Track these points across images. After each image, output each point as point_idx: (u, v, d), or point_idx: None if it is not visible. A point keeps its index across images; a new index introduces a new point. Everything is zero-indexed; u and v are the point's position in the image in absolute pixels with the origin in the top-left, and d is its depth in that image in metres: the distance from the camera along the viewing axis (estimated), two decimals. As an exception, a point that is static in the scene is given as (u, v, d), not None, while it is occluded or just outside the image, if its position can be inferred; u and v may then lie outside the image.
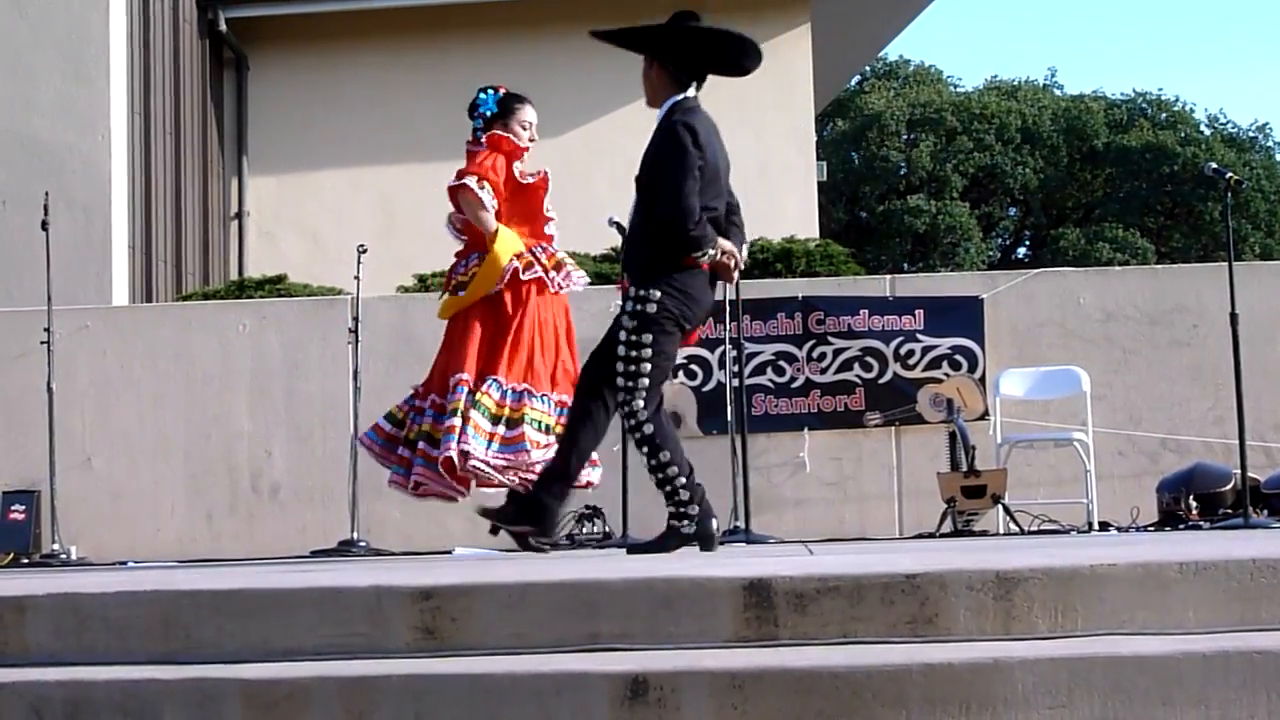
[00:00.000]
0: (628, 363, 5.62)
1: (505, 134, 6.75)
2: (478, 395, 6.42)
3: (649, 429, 5.60)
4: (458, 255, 6.76)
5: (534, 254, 6.65)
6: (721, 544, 7.04)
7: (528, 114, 6.81)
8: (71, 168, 11.78)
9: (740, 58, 6.02)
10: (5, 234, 11.52)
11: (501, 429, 6.44)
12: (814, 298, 9.32)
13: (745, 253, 6.00)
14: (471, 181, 6.62)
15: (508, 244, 6.56)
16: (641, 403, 5.60)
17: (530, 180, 6.74)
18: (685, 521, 5.67)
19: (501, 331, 6.55)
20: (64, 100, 11.91)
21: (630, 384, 5.61)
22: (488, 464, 6.40)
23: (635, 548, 5.96)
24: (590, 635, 3.38)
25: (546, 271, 6.64)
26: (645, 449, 5.64)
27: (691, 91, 5.82)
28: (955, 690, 3.09)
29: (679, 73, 5.80)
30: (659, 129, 5.84)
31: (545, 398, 6.57)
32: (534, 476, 6.19)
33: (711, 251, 5.67)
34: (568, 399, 6.36)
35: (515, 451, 6.43)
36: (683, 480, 5.66)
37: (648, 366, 5.61)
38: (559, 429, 6.33)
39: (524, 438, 6.44)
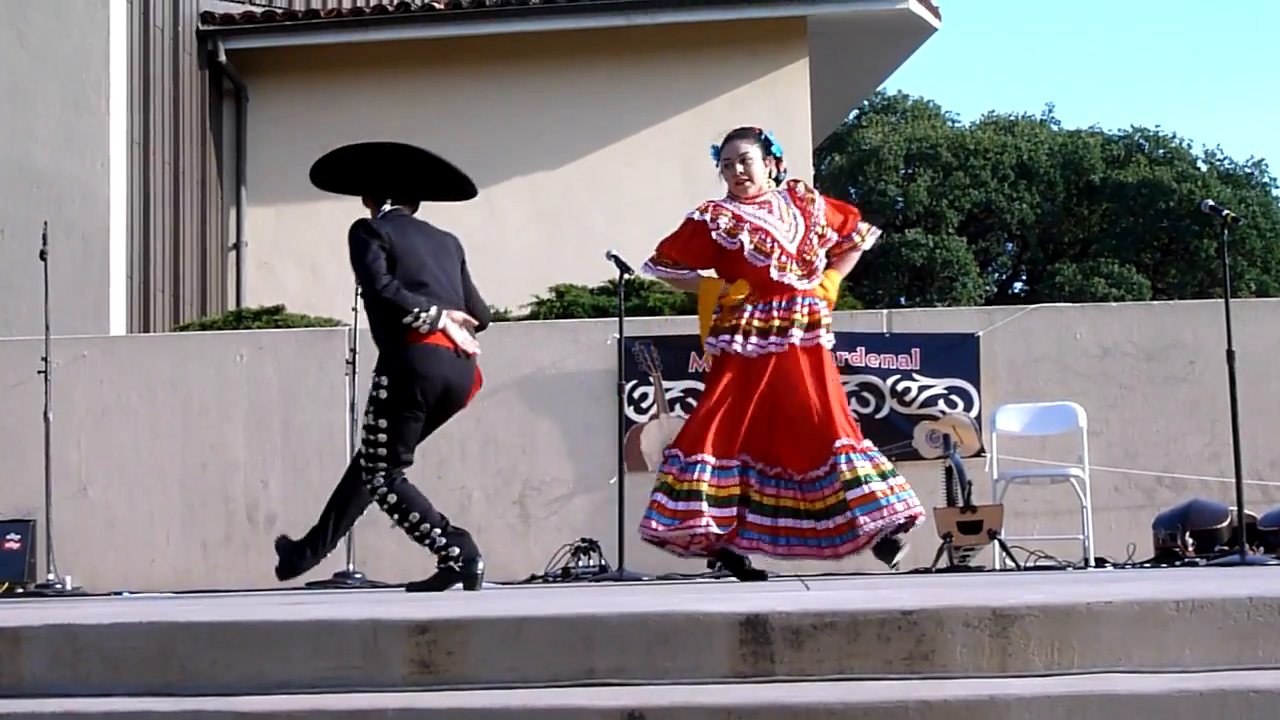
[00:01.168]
0: (366, 444, 6.20)
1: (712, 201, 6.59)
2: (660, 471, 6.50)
3: (393, 499, 6.16)
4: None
5: (756, 310, 6.41)
6: (714, 580, 7.03)
7: (727, 151, 6.56)
8: (70, 197, 11.80)
9: (454, 183, 6.61)
10: (4, 262, 11.53)
11: (673, 502, 6.32)
12: (811, 332, 9.31)
13: (476, 341, 6.39)
14: (642, 270, 6.84)
15: (710, 295, 6.49)
16: (381, 477, 6.16)
17: (731, 245, 6.42)
18: (452, 562, 6.08)
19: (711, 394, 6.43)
20: (63, 129, 11.93)
21: (370, 464, 6.19)
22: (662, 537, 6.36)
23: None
24: (586, 670, 3.37)
25: (744, 334, 6.38)
26: (395, 515, 6.17)
27: (388, 206, 6.42)
28: (952, 727, 3.08)
29: (376, 197, 6.47)
30: None
31: (722, 469, 6.31)
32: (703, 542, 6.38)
33: (426, 315, 6.09)
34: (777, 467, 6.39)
35: (683, 523, 6.30)
36: (438, 530, 6.11)
37: (383, 450, 6.16)
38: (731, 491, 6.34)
39: (693, 512, 6.26)
